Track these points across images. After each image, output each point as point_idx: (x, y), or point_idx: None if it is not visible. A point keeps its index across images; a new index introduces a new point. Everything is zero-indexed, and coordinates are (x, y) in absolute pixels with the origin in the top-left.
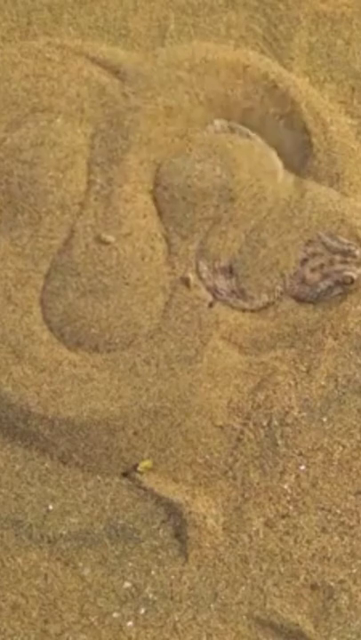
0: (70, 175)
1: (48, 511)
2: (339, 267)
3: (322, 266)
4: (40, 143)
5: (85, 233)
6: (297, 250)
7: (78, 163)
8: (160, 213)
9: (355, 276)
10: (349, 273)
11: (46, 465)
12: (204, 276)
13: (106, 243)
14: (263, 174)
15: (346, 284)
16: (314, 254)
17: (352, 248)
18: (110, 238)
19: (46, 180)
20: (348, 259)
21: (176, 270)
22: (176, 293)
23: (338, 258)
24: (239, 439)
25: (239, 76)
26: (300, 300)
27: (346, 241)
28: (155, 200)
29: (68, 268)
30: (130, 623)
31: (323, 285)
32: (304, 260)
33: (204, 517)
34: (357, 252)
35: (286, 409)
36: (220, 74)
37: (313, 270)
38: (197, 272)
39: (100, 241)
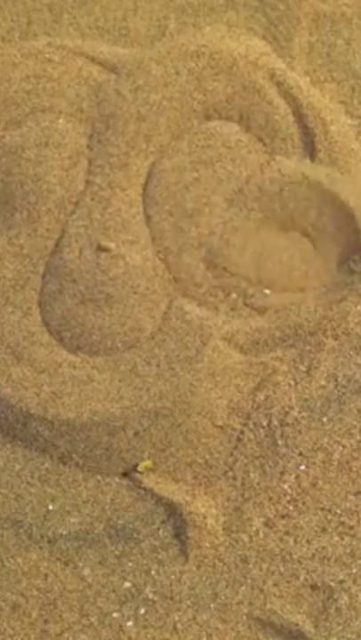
0: (72, 175)
1: (48, 511)
2: None
3: None
4: (44, 143)
5: (78, 235)
6: None
7: (81, 163)
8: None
9: None
10: None
11: (46, 465)
12: None
13: (107, 250)
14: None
15: None
16: None
17: None
18: (111, 245)
19: (50, 178)
20: None
21: (182, 277)
22: (179, 295)
23: None
24: (239, 439)
25: (242, 70)
26: None
27: None
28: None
29: (63, 272)
30: (130, 623)
31: None
32: None
33: (204, 517)
34: None
35: (286, 409)
36: (222, 67)
37: None
38: None
39: (99, 248)
